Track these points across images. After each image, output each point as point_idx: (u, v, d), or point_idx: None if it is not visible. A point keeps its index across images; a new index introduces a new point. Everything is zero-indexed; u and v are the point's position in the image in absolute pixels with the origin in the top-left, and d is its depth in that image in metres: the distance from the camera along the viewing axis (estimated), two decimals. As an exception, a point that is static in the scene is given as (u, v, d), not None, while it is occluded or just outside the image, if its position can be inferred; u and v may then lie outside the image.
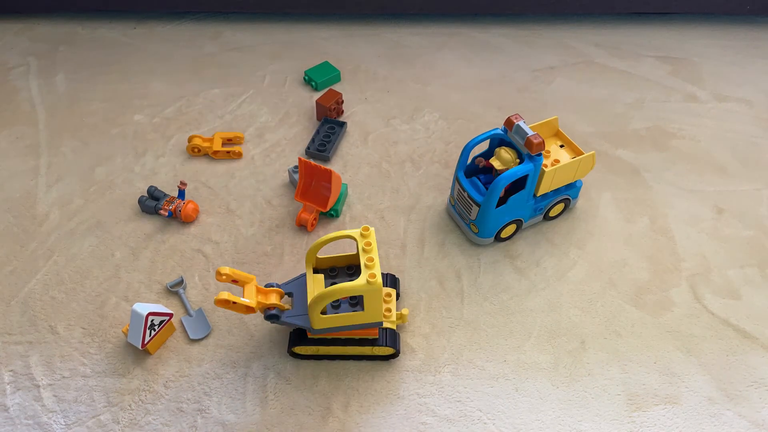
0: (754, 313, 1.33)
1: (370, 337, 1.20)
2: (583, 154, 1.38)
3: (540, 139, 1.26)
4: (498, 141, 1.38)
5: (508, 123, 1.31)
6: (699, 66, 1.93)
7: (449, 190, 1.55)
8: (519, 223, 1.42)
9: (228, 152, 1.62)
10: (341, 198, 1.51)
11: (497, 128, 1.36)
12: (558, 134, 1.44)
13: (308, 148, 1.64)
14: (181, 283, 1.37)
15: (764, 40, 2.03)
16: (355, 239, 1.12)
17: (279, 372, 1.24)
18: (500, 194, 1.31)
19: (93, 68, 1.93)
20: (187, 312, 1.32)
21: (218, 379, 1.23)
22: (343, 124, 1.70)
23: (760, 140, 1.70)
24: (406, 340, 1.28)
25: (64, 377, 1.24)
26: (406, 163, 1.63)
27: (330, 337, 1.20)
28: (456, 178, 1.39)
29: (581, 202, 1.53)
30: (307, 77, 1.84)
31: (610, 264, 1.41)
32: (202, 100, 1.81)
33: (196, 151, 1.62)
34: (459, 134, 1.71)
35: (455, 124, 1.74)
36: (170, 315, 1.25)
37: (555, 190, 1.42)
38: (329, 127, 1.70)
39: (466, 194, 1.37)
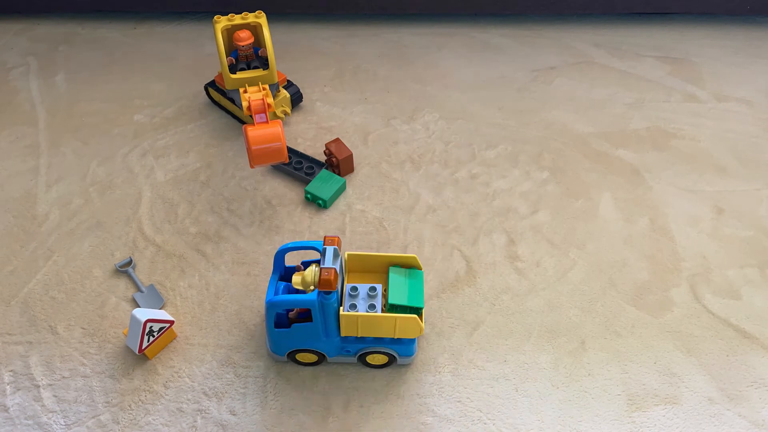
0: (754, 313, 1.33)
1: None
2: None
3: (330, 276, 1.03)
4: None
5: (326, 241, 1.12)
6: (699, 66, 1.93)
7: (449, 190, 1.55)
8: (321, 356, 1.22)
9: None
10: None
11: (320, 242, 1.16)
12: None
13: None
14: (129, 263, 1.41)
15: (764, 40, 2.03)
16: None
17: (279, 372, 1.24)
18: (276, 318, 1.15)
19: (93, 68, 1.93)
20: (138, 289, 1.36)
21: (218, 379, 1.23)
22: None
23: (760, 140, 1.70)
24: (406, 340, 1.28)
25: (64, 377, 1.24)
26: (406, 163, 1.63)
27: None
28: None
29: (582, 202, 1.53)
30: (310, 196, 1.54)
31: (610, 264, 1.41)
32: (202, 101, 1.81)
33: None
34: (459, 134, 1.71)
35: (455, 124, 1.74)
36: (171, 322, 1.25)
37: (375, 339, 1.18)
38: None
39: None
